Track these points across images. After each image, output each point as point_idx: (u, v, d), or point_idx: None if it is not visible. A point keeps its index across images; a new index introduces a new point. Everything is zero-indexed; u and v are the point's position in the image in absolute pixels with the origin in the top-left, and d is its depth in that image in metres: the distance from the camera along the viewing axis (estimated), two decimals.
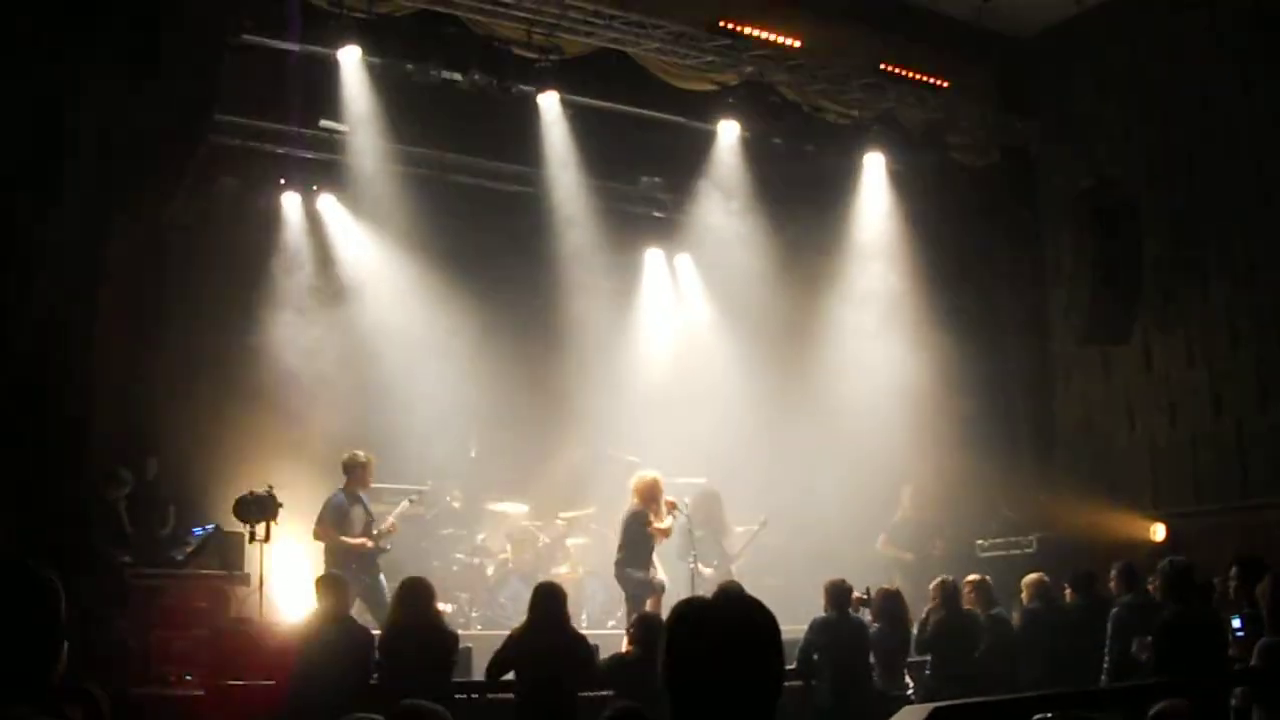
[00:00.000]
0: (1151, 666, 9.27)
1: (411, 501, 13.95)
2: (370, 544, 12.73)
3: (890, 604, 11.84)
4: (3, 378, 11.86)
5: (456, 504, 15.17)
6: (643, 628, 9.86)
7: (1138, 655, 10.02)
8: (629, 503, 13.02)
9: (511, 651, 9.70)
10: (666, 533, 12.91)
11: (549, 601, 9.78)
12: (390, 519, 13.21)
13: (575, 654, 9.70)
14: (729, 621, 2.86)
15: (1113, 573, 11.55)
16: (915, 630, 12.03)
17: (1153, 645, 9.20)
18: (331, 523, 12.72)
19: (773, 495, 15.71)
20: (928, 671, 11.85)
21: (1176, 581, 9.27)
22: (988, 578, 12.57)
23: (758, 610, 2.88)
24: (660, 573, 13.02)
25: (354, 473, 13.04)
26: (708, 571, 13.93)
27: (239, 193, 14.96)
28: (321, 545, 12.75)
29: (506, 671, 9.71)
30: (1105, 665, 10.55)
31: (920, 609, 12.25)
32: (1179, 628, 8.89)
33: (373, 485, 13.26)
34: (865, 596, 11.81)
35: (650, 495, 12.92)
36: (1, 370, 11.89)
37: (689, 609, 2.97)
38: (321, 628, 9.56)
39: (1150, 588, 11.22)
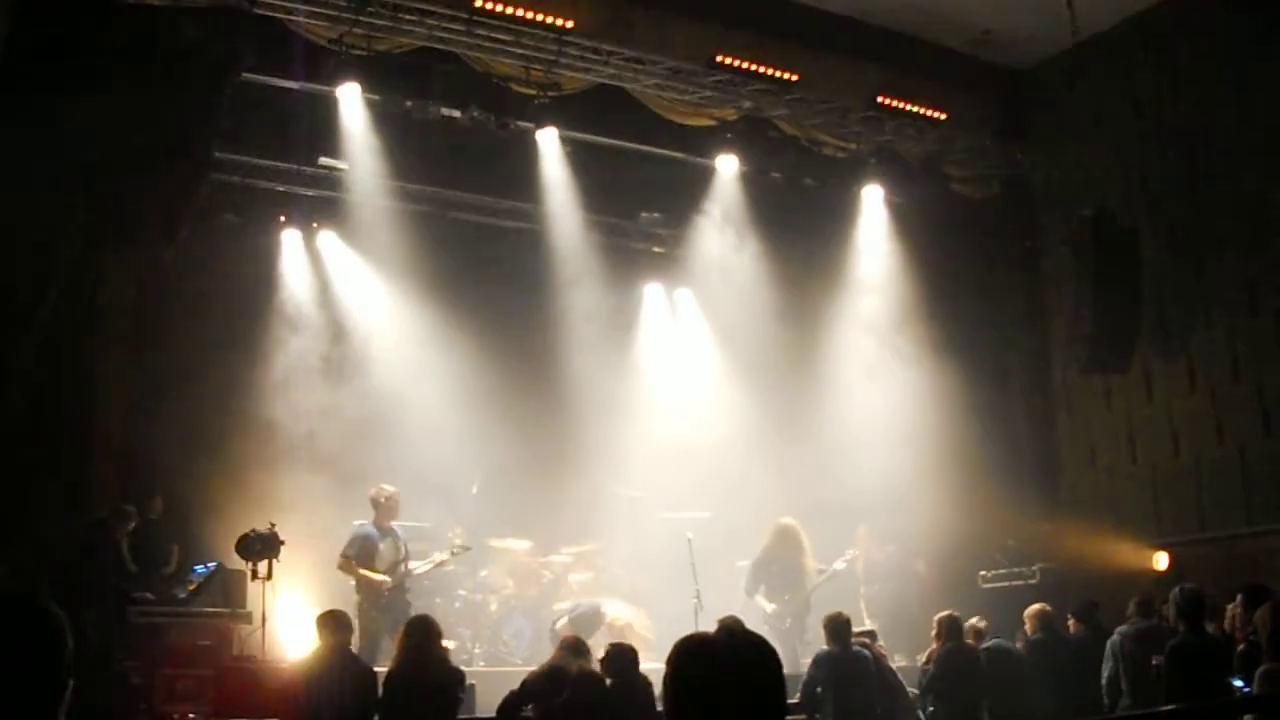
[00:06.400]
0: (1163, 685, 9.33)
1: (454, 553, 13.84)
2: (391, 582, 12.75)
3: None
4: (6, 414, 11.89)
5: (458, 540, 15.11)
6: (613, 658, 9.88)
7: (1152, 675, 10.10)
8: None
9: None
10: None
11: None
12: (419, 565, 13.24)
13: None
14: (731, 657, 2.83)
15: (1130, 607, 11.55)
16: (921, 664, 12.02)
17: (1163, 670, 9.24)
18: (355, 554, 12.79)
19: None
20: (930, 708, 11.78)
21: (1187, 608, 9.31)
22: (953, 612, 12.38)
23: (760, 645, 2.86)
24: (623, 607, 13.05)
25: (381, 506, 13.11)
26: (770, 607, 13.94)
27: (239, 230, 14.99)
28: (336, 580, 12.82)
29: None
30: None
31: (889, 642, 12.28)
32: (1188, 653, 8.96)
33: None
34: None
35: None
36: (4, 406, 11.91)
37: (691, 645, 2.93)
38: (322, 664, 9.52)
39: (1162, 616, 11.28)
